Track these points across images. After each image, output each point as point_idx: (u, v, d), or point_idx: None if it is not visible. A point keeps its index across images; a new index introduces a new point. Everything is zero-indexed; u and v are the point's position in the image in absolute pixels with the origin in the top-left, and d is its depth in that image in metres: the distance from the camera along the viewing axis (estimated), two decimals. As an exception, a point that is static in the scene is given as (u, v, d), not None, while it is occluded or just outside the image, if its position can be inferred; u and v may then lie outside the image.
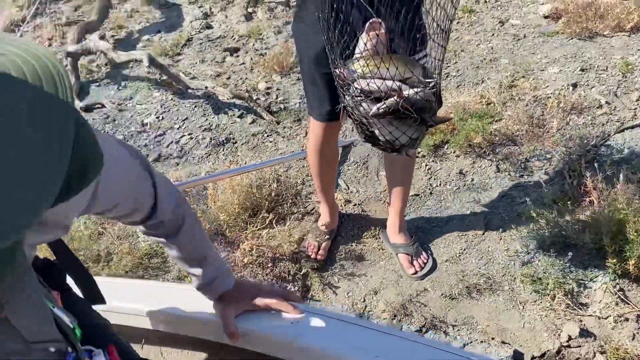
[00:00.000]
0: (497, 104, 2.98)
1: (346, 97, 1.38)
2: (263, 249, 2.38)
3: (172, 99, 3.61)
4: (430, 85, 1.30)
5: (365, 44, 1.32)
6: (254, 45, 4.23)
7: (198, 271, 1.17)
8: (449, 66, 3.52)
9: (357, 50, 1.37)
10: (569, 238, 2.12)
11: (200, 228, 1.16)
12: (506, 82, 3.19)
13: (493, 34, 3.84)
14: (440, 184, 2.66)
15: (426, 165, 2.76)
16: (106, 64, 4.09)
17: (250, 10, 4.75)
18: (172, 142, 3.23)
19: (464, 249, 2.29)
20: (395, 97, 1.27)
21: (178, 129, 3.34)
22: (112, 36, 4.58)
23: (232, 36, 4.40)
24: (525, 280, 2.05)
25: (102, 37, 3.71)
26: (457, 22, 4.05)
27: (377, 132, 1.36)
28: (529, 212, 2.26)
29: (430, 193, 2.62)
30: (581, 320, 1.95)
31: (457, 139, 2.76)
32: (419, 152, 2.81)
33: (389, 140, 1.36)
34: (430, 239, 2.38)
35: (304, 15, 1.77)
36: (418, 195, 2.61)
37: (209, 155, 3.11)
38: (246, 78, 3.79)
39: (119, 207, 0.95)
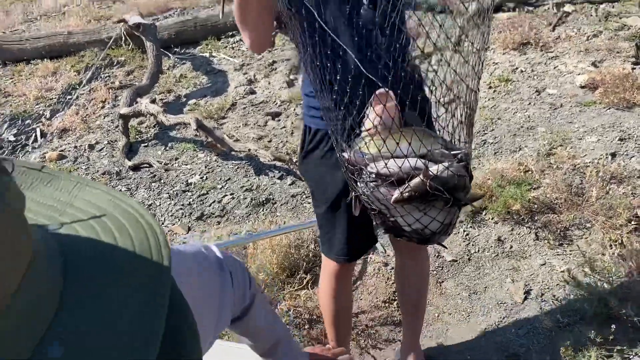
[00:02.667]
0: (535, 171, 3.01)
1: (359, 184, 1.19)
2: (300, 309, 2.41)
3: (215, 160, 3.76)
4: (459, 157, 1.13)
5: (373, 120, 1.17)
6: (294, 110, 4.39)
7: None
8: (485, 133, 3.58)
9: (364, 127, 1.21)
10: (612, 310, 2.08)
11: (270, 308, 1.08)
12: (544, 150, 3.22)
13: (530, 103, 3.90)
14: (478, 250, 2.66)
15: (464, 231, 2.77)
16: (154, 126, 4.31)
17: (292, 77, 4.97)
18: (214, 201, 3.34)
19: (503, 318, 2.26)
20: (421, 177, 1.09)
21: (221, 188, 3.46)
22: (161, 99, 4.84)
23: (274, 101, 4.59)
24: (567, 352, 2.00)
25: (153, 101, 3.94)
26: (494, 91, 4.15)
27: (400, 220, 1.16)
28: (569, 281, 2.24)
29: (469, 259, 2.62)
30: (627, 397, 1.89)
31: (495, 206, 2.78)
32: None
33: (416, 229, 1.15)
34: (469, 307, 2.36)
35: (312, 154, 1.61)
36: (456, 261, 2.62)
37: (250, 214, 3.20)
38: (287, 141, 3.93)
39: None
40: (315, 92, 1.31)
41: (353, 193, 1.25)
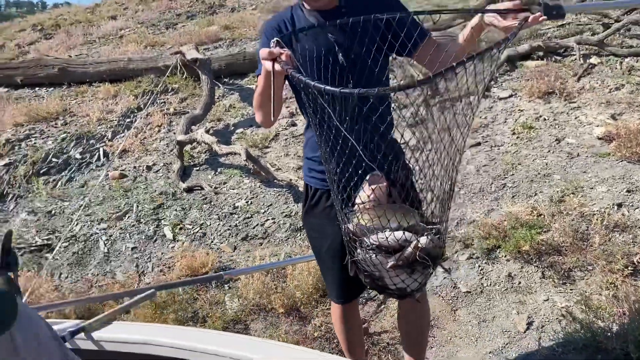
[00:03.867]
0: (546, 216, 3.34)
1: (358, 250, 1.44)
2: (330, 325, 2.79)
3: (259, 187, 4.20)
4: (434, 231, 1.41)
5: (369, 197, 1.42)
6: (332, 143, 4.82)
7: None
8: (505, 177, 3.93)
9: (358, 200, 1.46)
10: (600, 343, 2.41)
11: None
12: (556, 197, 3.55)
13: (549, 150, 4.24)
14: (490, 284, 3.01)
15: (479, 266, 3.12)
16: (206, 152, 4.79)
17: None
18: (257, 224, 3.77)
19: (507, 344, 2.60)
20: (412, 248, 1.35)
21: (263, 213, 3.89)
22: (212, 127, 5.33)
23: (314, 134, 5.03)
24: (559, 376, 2.34)
25: (208, 131, 4.41)
26: (517, 137, 4.49)
27: (388, 281, 1.41)
28: (567, 316, 2.57)
29: (481, 291, 2.97)
30: (608, 419, 2.21)
31: (508, 245, 3.12)
32: (472, 254, 3.18)
33: (399, 288, 1.42)
34: (477, 333, 2.71)
35: (314, 208, 1.93)
36: (470, 292, 2.97)
37: (288, 238, 3.61)
38: (324, 173, 4.35)
39: None
40: (322, 158, 1.58)
41: (350, 257, 1.48)
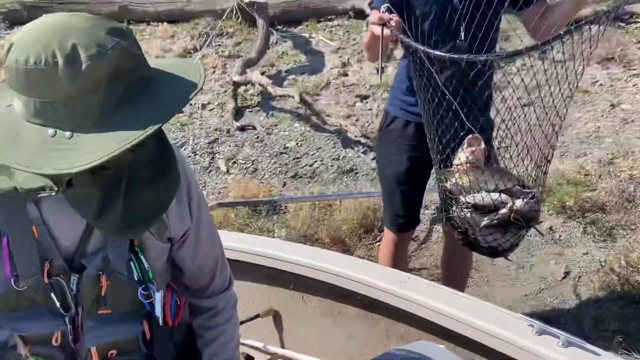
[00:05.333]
0: (594, 176, 3.37)
1: (453, 208, 1.50)
2: (372, 259, 2.93)
3: (309, 130, 4.32)
4: (531, 195, 1.44)
5: (467, 158, 1.47)
6: (381, 95, 4.88)
7: None
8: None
9: (456, 162, 1.51)
10: (635, 295, 2.48)
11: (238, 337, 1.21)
12: (606, 159, 3.55)
13: (602, 115, 4.20)
14: (531, 235, 3.07)
15: (520, 217, 3.20)
16: (259, 94, 4.92)
17: (383, 64, 5.44)
18: (306, 164, 3.91)
19: (542, 289, 2.70)
20: (506, 210, 1.40)
21: (312, 155, 4.02)
22: (264, 72, 5.45)
23: (364, 85, 5.09)
24: (590, 321, 2.43)
25: (262, 73, 4.53)
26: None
27: (481, 239, 1.47)
28: (605, 268, 2.64)
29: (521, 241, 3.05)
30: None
31: (552, 199, 3.18)
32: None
33: (491, 246, 1.48)
34: (515, 277, 2.81)
35: (387, 135, 2.00)
36: (509, 240, 3.06)
37: (335, 180, 3.75)
38: (372, 122, 4.43)
39: (201, 251, 1.04)
40: (424, 119, 1.59)
41: (445, 214, 1.55)
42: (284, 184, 3.74)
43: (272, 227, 3.24)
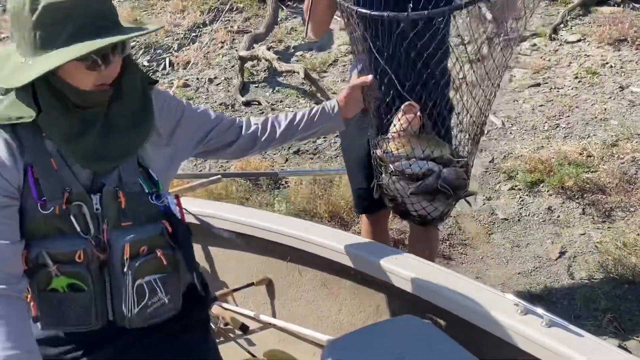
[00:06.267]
0: (596, 157, 3.35)
1: (383, 175, 1.51)
2: (370, 234, 2.97)
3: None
4: (461, 164, 1.46)
5: (402, 125, 1.45)
6: (389, 73, 4.87)
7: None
8: (560, 118, 3.91)
9: (391, 129, 1.49)
10: (629, 276, 2.49)
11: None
12: (610, 141, 3.53)
13: (610, 97, 4.15)
14: (529, 215, 3.09)
15: (520, 197, 3.20)
16: (265, 70, 4.93)
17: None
18: (309, 141, 3.93)
19: (536, 268, 2.71)
20: (433, 178, 1.41)
21: (316, 131, 4.04)
22: (271, 47, 5.44)
23: (372, 63, 5.07)
24: (582, 300, 2.45)
25: (269, 49, 4.53)
26: (579, 81, 4.40)
27: (410, 207, 1.47)
28: (600, 249, 2.65)
29: (518, 220, 3.06)
30: (624, 343, 2.32)
31: (552, 180, 3.17)
32: (515, 185, 3.25)
33: (420, 214, 1.48)
34: (509, 256, 2.83)
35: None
36: (507, 219, 3.07)
37: (337, 156, 3.76)
38: (378, 100, 4.43)
39: (220, 121, 1.28)
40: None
41: (376, 180, 1.54)
42: (286, 160, 3.77)
43: (273, 201, 3.27)
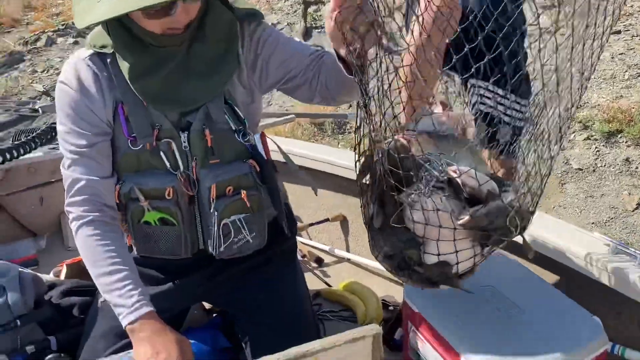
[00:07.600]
0: (681, 108, 3.16)
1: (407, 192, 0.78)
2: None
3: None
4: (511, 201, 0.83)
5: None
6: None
7: None
8: (642, 67, 3.69)
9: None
10: None
11: None
12: (697, 91, 3.31)
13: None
14: (604, 165, 2.97)
15: (596, 147, 3.07)
16: (328, 15, 4.85)
17: None
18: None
19: (612, 219, 2.63)
20: (502, 202, 0.81)
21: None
22: (335, -8, 5.33)
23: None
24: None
25: (334, -8, 4.44)
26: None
27: (430, 248, 0.87)
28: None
29: (594, 170, 2.95)
30: None
31: (632, 130, 3.02)
32: (590, 135, 3.12)
33: (446, 265, 0.87)
34: (583, 206, 2.74)
35: None
36: (582, 170, 2.96)
37: (403, 103, 3.70)
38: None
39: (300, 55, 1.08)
40: None
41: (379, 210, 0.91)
42: (350, 106, 3.74)
43: (337, 145, 3.27)
